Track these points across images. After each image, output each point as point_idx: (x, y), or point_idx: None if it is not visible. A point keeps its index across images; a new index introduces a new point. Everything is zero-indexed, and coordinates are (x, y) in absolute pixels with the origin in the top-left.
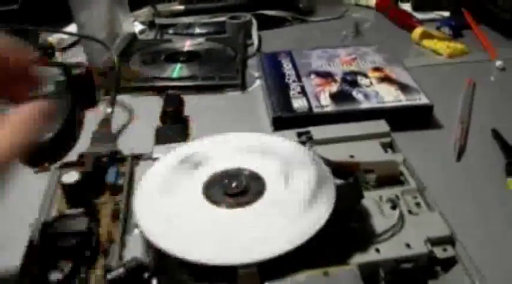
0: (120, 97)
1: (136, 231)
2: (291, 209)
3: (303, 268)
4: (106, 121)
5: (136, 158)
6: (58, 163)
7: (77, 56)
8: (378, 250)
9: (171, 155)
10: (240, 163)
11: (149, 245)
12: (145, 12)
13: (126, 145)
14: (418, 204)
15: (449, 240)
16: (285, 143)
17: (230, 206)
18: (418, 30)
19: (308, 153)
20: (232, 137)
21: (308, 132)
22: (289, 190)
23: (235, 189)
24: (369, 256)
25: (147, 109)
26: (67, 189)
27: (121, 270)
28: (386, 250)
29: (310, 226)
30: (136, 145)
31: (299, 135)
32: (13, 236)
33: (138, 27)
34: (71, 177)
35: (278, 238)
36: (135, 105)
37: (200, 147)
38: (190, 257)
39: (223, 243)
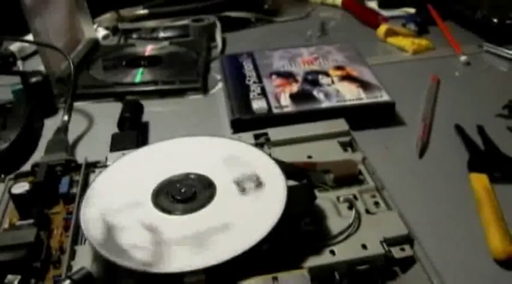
0: (80, 105)
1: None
2: (239, 213)
3: (253, 274)
4: (61, 129)
5: (91, 166)
6: (13, 174)
7: (39, 65)
8: (332, 252)
9: (120, 162)
10: (189, 167)
11: (96, 255)
12: (108, 17)
13: (83, 153)
14: (376, 203)
15: (407, 240)
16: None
17: (178, 212)
18: (382, 28)
19: (261, 156)
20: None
21: (266, 134)
22: (238, 194)
23: (184, 194)
24: (323, 258)
25: (107, 116)
26: (17, 199)
27: (67, 281)
28: (342, 252)
29: (259, 230)
30: (93, 153)
31: (256, 136)
32: None
33: (101, 32)
34: (21, 187)
35: (225, 243)
36: (95, 112)
37: (149, 152)
38: (136, 266)
39: (170, 250)
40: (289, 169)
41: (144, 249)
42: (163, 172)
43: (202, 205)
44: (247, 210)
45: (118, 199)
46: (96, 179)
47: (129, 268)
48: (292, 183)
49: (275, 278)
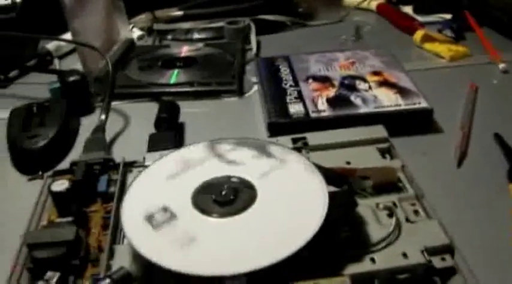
0: (116, 104)
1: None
2: (281, 219)
3: (294, 280)
4: (99, 128)
5: (129, 165)
6: (51, 171)
7: (75, 64)
8: (373, 260)
9: (161, 162)
10: (229, 171)
11: (136, 255)
12: (143, 18)
13: (120, 152)
14: (416, 212)
15: (448, 249)
16: (277, 148)
17: (219, 215)
18: (419, 33)
19: (301, 159)
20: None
21: (304, 138)
22: (280, 199)
23: (225, 197)
24: (364, 266)
25: (143, 116)
26: (56, 197)
27: (107, 280)
28: (382, 260)
29: (301, 237)
30: (129, 152)
31: (294, 141)
32: (3, 245)
33: (136, 33)
34: (61, 185)
35: (267, 248)
36: (131, 112)
37: (191, 153)
38: (177, 268)
39: (212, 253)
40: (329, 175)
41: (184, 250)
42: (205, 173)
43: (243, 209)
44: (289, 214)
45: (158, 199)
46: (136, 179)
47: (168, 269)
48: (332, 188)
49: None
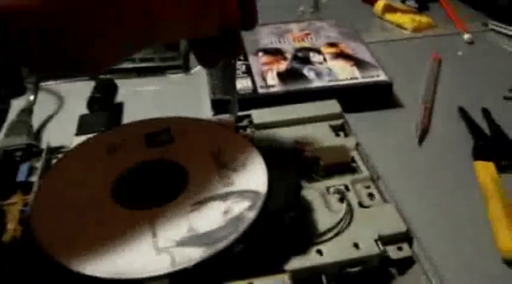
0: (50, 85)
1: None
2: (210, 209)
3: (227, 279)
4: (25, 110)
5: (55, 151)
6: None
7: None
8: (320, 252)
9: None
10: (160, 154)
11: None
12: None
13: (50, 137)
14: (371, 195)
15: (405, 237)
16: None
17: (140, 207)
18: (380, 3)
19: (242, 142)
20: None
21: (249, 116)
22: (210, 186)
23: (149, 186)
24: (309, 259)
25: (79, 97)
26: None
27: None
28: (330, 252)
29: (233, 229)
30: (60, 136)
31: (239, 119)
32: None
33: None
34: None
35: (194, 244)
36: (65, 93)
37: (116, 134)
38: (91, 272)
39: (129, 253)
40: (272, 156)
41: (101, 252)
42: (127, 159)
43: (169, 197)
44: (222, 202)
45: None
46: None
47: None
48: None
49: None
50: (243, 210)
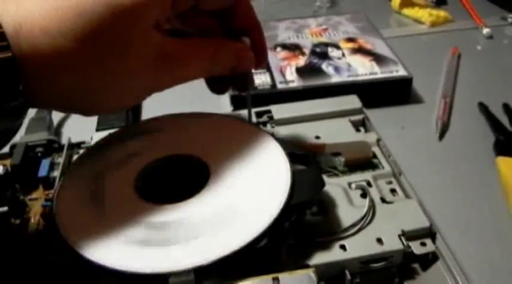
0: None
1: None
2: (235, 204)
3: (251, 273)
4: None
5: (75, 147)
6: None
7: None
8: (343, 248)
9: (101, 143)
10: (181, 148)
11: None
12: None
13: (69, 133)
14: (393, 191)
15: (428, 233)
16: (235, 123)
17: (162, 202)
18: None
19: (264, 137)
20: (176, 118)
21: (269, 111)
22: (234, 181)
23: (172, 181)
24: (333, 255)
25: None
26: None
27: None
28: (354, 248)
29: (258, 225)
30: (79, 132)
31: (259, 114)
32: None
33: None
34: None
35: (218, 238)
36: None
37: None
38: (114, 266)
39: (154, 248)
40: (294, 151)
41: (123, 246)
42: (150, 154)
43: (190, 194)
44: (245, 197)
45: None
46: (72, 163)
47: (107, 268)
48: (297, 167)
49: (276, 279)
50: (266, 204)
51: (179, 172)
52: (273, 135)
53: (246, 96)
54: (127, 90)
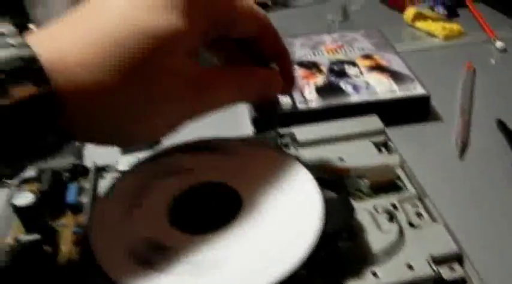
0: None
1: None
2: (272, 235)
3: None
4: None
5: (101, 171)
6: (16, 179)
7: None
8: (375, 274)
9: (131, 172)
10: (212, 176)
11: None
12: None
13: (92, 156)
14: (419, 214)
15: (456, 258)
16: (262, 149)
17: (200, 231)
18: (410, 11)
19: (293, 163)
20: (203, 143)
21: (291, 133)
22: (270, 212)
23: (207, 210)
24: (365, 281)
25: None
26: (20, 212)
27: None
28: (385, 274)
29: (295, 254)
30: (103, 155)
31: (281, 136)
32: None
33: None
34: (25, 198)
35: (257, 270)
36: None
37: (168, 157)
38: None
39: (192, 279)
40: (322, 176)
41: (165, 278)
42: (178, 182)
43: (226, 222)
44: (280, 227)
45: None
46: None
47: None
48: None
49: None
50: (301, 233)
51: (211, 199)
52: (300, 159)
53: (268, 119)
54: (162, 120)
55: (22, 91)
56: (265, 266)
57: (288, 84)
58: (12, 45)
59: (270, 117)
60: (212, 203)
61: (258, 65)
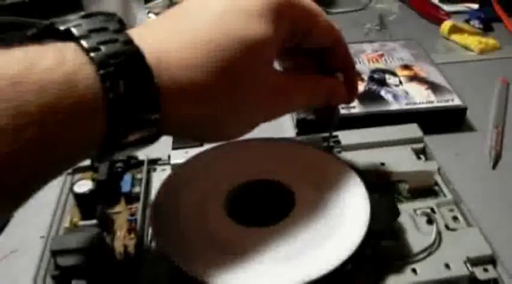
0: None
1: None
2: (323, 230)
3: None
4: None
5: (153, 163)
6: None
7: None
8: (414, 271)
9: (190, 163)
10: (266, 173)
11: (169, 265)
12: (160, 3)
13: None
14: (455, 218)
15: (490, 260)
16: (313, 151)
17: (254, 224)
18: (447, 24)
19: (342, 166)
20: (257, 143)
21: (335, 136)
22: (321, 209)
23: (260, 204)
24: (406, 278)
25: None
26: (79, 199)
27: None
28: (424, 271)
29: (344, 249)
30: (151, 148)
31: (324, 139)
32: (24, 247)
33: (152, 18)
34: (84, 186)
35: (309, 263)
36: None
37: (220, 154)
38: (212, 281)
39: (250, 267)
40: (367, 179)
41: (223, 265)
42: (235, 176)
43: (280, 217)
44: (330, 224)
45: (189, 203)
46: (164, 182)
47: (204, 282)
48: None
49: None
50: (350, 231)
51: (266, 196)
52: (349, 163)
53: (314, 121)
54: (247, 120)
55: (127, 85)
56: (316, 259)
57: (351, 95)
58: (118, 41)
59: (328, 123)
60: (267, 199)
61: (323, 74)
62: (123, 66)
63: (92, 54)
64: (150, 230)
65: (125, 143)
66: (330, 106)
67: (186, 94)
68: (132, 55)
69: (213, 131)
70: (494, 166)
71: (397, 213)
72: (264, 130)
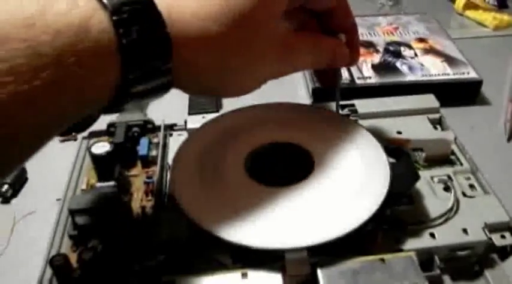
0: None
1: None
2: (344, 190)
3: (355, 254)
4: None
5: (169, 128)
6: (86, 132)
7: None
8: (432, 236)
9: (210, 125)
10: (286, 136)
11: (188, 223)
12: None
13: (157, 114)
14: (472, 186)
15: (507, 227)
16: (332, 116)
17: (276, 184)
18: (462, 0)
19: (360, 130)
20: (277, 107)
21: (352, 105)
22: (342, 170)
23: (282, 165)
24: (424, 241)
25: None
26: (97, 160)
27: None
28: (442, 236)
29: (365, 210)
30: (168, 114)
31: (342, 107)
32: (41, 209)
33: None
34: (102, 147)
35: (331, 222)
36: None
37: (240, 117)
38: (234, 239)
39: (270, 225)
40: (386, 145)
41: (242, 222)
42: (253, 139)
43: (302, 178)
44: (351, 186)
45: (209, 166)
46: (184, 142)
47: (227, 241)
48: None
49: (382, 260)
50: (371, 192)
51: (285, 157)
52: (366, 128)
53: (328, 89)
54: (255, 74)
55: (140, 32)
56: (337, 219)
57: (353, 57)
58: None
59: (332, 89)
60: (287, 161)
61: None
62: (137, 13)
63: (105, 1)
64: (168, 192)
65: (137, 92)
66: (333, 68)
67: (197, 44)
68: (145, 3)
69: (223, 84)
70: (509, 139)
71: (417, 177)
72: (279, 99)
